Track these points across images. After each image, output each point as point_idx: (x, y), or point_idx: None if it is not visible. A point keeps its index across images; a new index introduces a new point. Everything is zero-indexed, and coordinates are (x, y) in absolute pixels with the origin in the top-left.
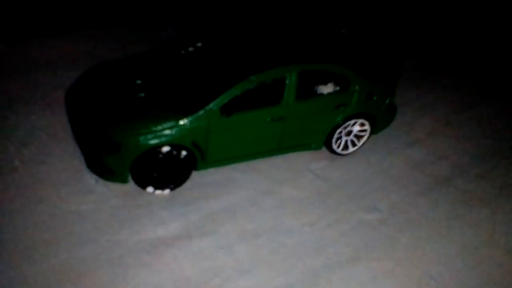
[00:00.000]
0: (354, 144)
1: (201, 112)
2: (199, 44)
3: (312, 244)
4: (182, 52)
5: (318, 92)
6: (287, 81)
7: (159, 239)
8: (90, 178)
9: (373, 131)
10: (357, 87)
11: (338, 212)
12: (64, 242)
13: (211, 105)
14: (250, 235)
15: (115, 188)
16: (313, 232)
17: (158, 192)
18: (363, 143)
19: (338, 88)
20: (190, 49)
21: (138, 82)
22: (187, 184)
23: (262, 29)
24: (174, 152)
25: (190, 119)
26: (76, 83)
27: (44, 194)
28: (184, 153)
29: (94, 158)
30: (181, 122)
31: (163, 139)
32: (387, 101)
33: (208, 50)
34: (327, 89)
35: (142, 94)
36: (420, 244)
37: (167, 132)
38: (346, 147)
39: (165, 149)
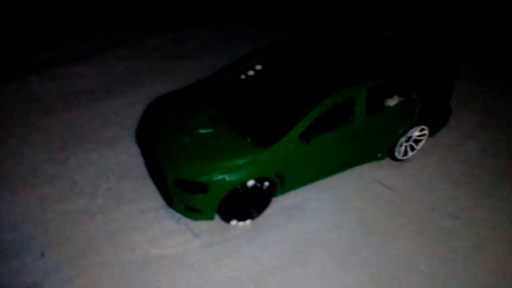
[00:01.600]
0: (412, 149)
1: (281, 143)
2: (258, 67)
3: (400, 263)
4: (242, 77)
5: (386, 105)
6: (357, 99)
7: (256, 272)
8: (170, 218)
9: (430, 134)
10: (418, 96)
11: (415, 223)
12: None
13: (290, 134)
14: (342, 259)
15: (197, 225)
16: (401, 252)
17: (240, 223)
18: (421, 147)
19: (402, 98)
20: (250, 73)
21: (208, 114)
22: (266, 212)
23: (314, 44)
24: (258, 185)
25: (271, 150)
26: (142, 123)
27: (132, 240)
28: (266, 183)
29: (176, 199)
30: (263, 155)
31: (248, 174)
32: (444, 104)
33: (269, 72)
34: (393, 101)
35: (214, 128)
36: (504, 250)
37: (251, 166)
38: (405, 152)
39: (250, 183)
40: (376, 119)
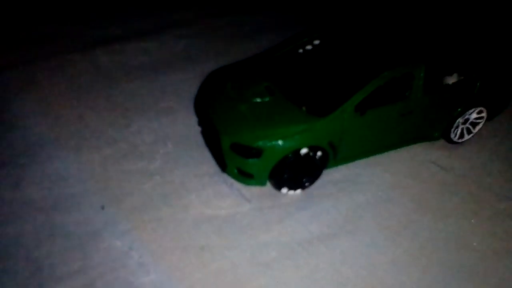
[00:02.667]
0: (469, 132)
1: (337, 113)
2: (316, 42)
3: (454, 239)
4: (300, 51)
5: (444, 83)
6: (416, 75)
7: (306, 239)
8: (224, 183)
9: (489, 118)
10: (478, 76)
11: (470, 202)
12: (218, 247)
13: (346, 105)
14: (391, 232)
15: (248, 190)
16: (459, 227)
17: (291, 192)
18: (478, 130)
19: (462, 77)
20: (308, 47)
21: (265, 84)
22: (318, 182)
23: (377, 23)
24: (311, 154)
25: (327, 120)
26: (200, 93)
27: (186, 201)
28: (319, 153)
29: (230, 163)
30: (318, 124)
31: (302, 142)
32: (504, 87)
33: (327, 47)
34: (451, 79)
35: (270, 98)
36: None
37: (305, 134)
38: (462, 135)
39: (304, 151)
40: (434, 96)
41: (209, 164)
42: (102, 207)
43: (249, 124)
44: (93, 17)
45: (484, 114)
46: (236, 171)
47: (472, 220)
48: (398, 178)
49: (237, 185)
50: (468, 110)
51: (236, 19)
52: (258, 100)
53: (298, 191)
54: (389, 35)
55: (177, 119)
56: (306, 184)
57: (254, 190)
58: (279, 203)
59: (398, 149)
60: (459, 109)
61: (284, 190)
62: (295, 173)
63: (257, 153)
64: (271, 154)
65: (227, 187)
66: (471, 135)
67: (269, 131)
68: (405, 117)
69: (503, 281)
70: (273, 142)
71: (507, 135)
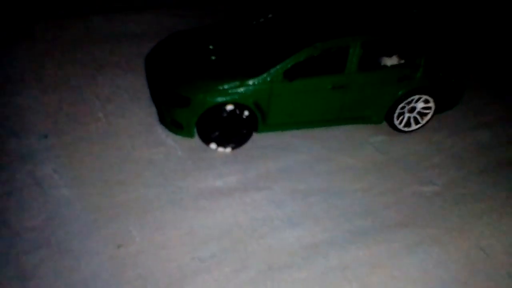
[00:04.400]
0: (417, 122)
1: (265, 75)
2: (270, 15)
3: (362, 207)
4: (254, 22)
5: (382, 64)
6: (350, 51)
7: (217, 188)
8: (162, 133)
9: (438, 110)
10: (422, 61)
11: (393, 182)
12: (134, 183)
13: (275, 68)
14: (302, 194)
15: (183, 142)
16: (364, 197)
17: (220, 149)
18: (427, 121)
19: (402, 61)
20: (262, 19)
21: (211, 47)
22: (249, 145)
23: (334, 3)
24: (237, 111)
25: (254, 80)
26: (154, 49)
27: (121, 142)
28: (246, 113)
29: (166, 113)
30: (246, 83)
31: (227, 97)
32: (453, 79)
33: (278, 20)
34: (391, 61)
35: (214, 58)
36: (473, 218)
37: (232, 91)
38: (408, 124)
39: (229, 107)
40: (370, 74)
41: (156, 116)
42: (45, 136)
43: (187, 77)
44: None
45: (431, 105)
46: (169, 120)
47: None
48: (330, 152)
49: (174, 137)
50: (410, 97)
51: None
52: (200, 59)
53: (228, 149)
54: (334, 12)
55: (140, 77)
56: (235, 143)
57: (188, 143)
58: (206, 156)
59: (339, 126)
60: (399, 93)
61: (213, 145)
62: (223, 130)
63: (185, 102)
64: (197, 105)
65: (164, 136)
66: (418, 125)
67: (200, 84)
68: (337, 91)
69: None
70: (201, 94)
71: (456, 131)
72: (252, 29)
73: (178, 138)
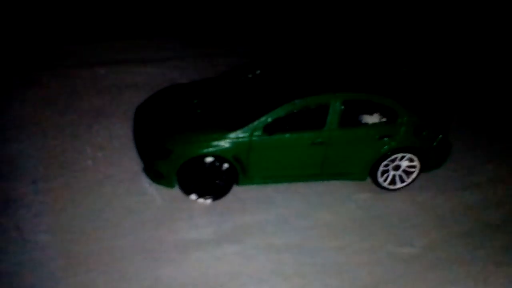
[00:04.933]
0: (402, 180)
1: (245, 129)
2: (258, 72)
3: (334, 266)
4: (242, 77)
5: (363, 121)
6: (331, 108)
7: (190, 240)
8: (145, 182)
9: (423, 169)
10: (405, 120)
11: (370, 241)
12: (110, 231)
13: (255, 123)
14: (275, 250)
15: (165, 192)
16: (338, 255)
17: (200, 200)
18: (413, 180)
19: (384, 119)
20: (250, 75)
21: (196, 101)
22: (229, 197)
23: (321, 60)
24: (217, 164)
25: (234, 134)
26: (145, 101)
27: (105, 190)
28: (226, 165)
29: (149, 163)
30: (226, 136)
31: (207, 150)
32: (438, 138)
33: (264, 77)
34: (372, 119)
35: (199, 111)
36: (447, 284)
37: (212, 144)
38: (394, 182)
39: (209, 159)
40: (350, 131)
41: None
42: (34, 182)
43: (170, 128)
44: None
45: (416, 163)
46: (151, 170)
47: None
48: (310, 207)
49: (157, 186)
50: (392, 155)
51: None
52: (186, 113)
53: (208, 201)
54: (320, 68)
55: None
56: (214, 195)
57: (170, 193)
58: (186, 207)
59: (323, 182)
60: (381, 151)
61: (193, 196)
62: (202, 181)
63: (166, 153)
64: (177, 156)
65: (147, 186)
66: (403, 184)
67: (181, 136)
68: (318, 147)
69: None
70: (181, 145)
71: (444, 191)
72: (239, 84)
73: (161, 188)
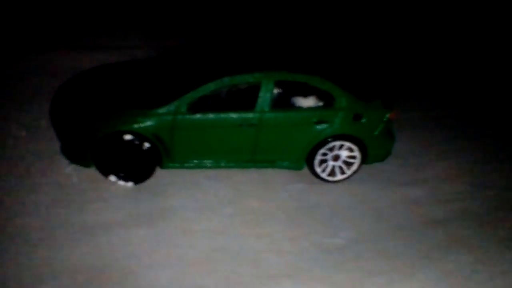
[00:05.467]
0: (343, 172)
1: (167, 106)
2: (193, 52)
3: (250, 253)
4: (176, 58)
5: (297, 105)
6: (262, 88)
7: (99, 223)
8: (64, 162)
9: (365, 160)
10: (343, 104)
11: (295, 231)
12: (17, 207)
13: (177, 101)
14: (189, 235)
15: (85, 173)
16: (257, 243)
17: (121, 182)
18: (354, 172)
19: (321, 103)
20: (185, 56)
21: (125, 82)
22: (153, 181)
23: (258, 42)
24: (137, 143)
25: (156, 111)
26: (77, 83)
27: (18, 169)
28: (147, 145)
29: (66, 141)
30: (147, 113)
31: (125, 126)
32: (380, 127)
33: (198, 56)
34: (307, 102)
35: (124, 91)
36: (364, 277)
37: (132, 120)
38: (333, 173)
39: (128, 137)
40: (283, 114)
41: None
42: None
43: (92, 108)
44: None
45: (356, 154)
46: (67, 149)
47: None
48: (239, 195)
49: (77, 166)
50: (329, 143)
51: None
52: (114, 92)
53: (130, 184)
54: (254, 49)
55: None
56: (137, 177)
57: (91, 174)
58: (102, 189)
59: (259, 169)
60: (317, 139)
61: (112, 178)
62: (121, 161)
63: (82, 130)
64: (92, 132)
65: (65, 165)
66: (344, 176)
67: (101, 114)
68: (248, 130)
69: None
70: (98, 122)
71: (387, 186)
72: (172, 64)
73: (81, 168)
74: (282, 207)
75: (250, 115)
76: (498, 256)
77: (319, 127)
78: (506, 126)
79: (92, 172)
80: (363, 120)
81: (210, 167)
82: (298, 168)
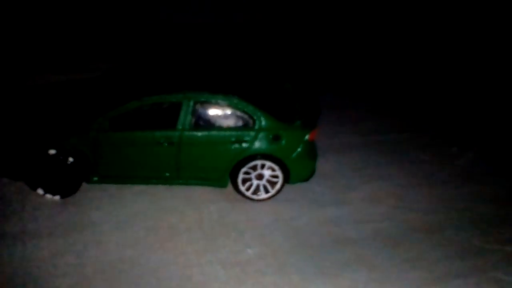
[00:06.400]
0: (267, 191)
1: (91, 123)
2: (121, 73)
3: (155, 266)
4: (103, 79)
5: (217, 124)
6: (183, 108)
7: (13, 231)
8: None
9: (287, 180)
10: (262, 125)
11: (205, 245)
12: None
13: (102, 117)
14: (101, 246)
15: (15, 185)
16: (164, 256)
17: (48, 196)
18: (278, 191)
19: (240, 123)
20: (112, 77)
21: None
22: (81, 194)
23: (185, 64)
24: (61, 157)
25: (80, 127)
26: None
27: None
28: (71, 159)
29: None
30: (71, 130)
31: (49, 141)
32: (299, 148)
33: (124, 77)
34: (227, 122)
35: (59, 111)
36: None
37: (55, 136)
38: (258, 192)
39: (52, 151)
40: (202, 133)
41: None
42: None
43: (31, 125)
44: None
45: (277, 173)
46: None
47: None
48: (157, 210)
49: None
50: (249, 162)
51: None
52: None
53: (57, 197)
54: (180, 71)
55: None
56: (63, 190)
57: (20, 186)
58: (27, 200)
59: (186, 186)
60: (236, 157)
61: (40, 191)
62: (47, 175)
63: (13, 143)
64: (18, 146)
65: None
66: (268, 194)
67: (32, 131)
68: (169, 148)
69: None
70: (25, 137)
71: (312, 205)
72: (99, 84)
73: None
74: (199, 223)
75: (171, 133)
76: (395, 275)
77: (239, 146)
78: (442, 152)
79: (21, 184)
80: (283, 141)
81: (136, 183)
82: (221, 185)
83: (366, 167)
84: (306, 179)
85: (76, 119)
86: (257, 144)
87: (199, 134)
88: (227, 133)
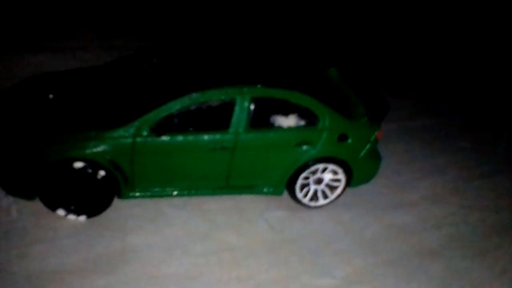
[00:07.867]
0: (325, 196)
1: (126, 127)
2: (154, 60)
3: None
4: (133, 66)
5: (277, 125)
6: (237, 105)
7: (46, 271)
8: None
9: (349, 183)
10: (327, 124)
11: (280, 270)
12: None
13: (140, 120)
14: (159, 281)
15: (27, 206)
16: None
17: (71, 217)
18: (337, 196)
19: (303, 122)
20: (144, 64)
21: (67, 93)
22: (109, 213)
23: (232, 51)
24: (90, 171)
25: (113, 134)
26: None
27: None
28: (102, 173)
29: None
30: (101, 136)
31: (74, 152)
32: (367, 147)
33: (161, 66)
34: (287, 121)
35: (71, 106)
36: None
37: (81, 145)
38: (315, 198)
39: (78, 165)
40: (261, 135)
41: None
42: None
43: (30, 127)
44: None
45: (340, 177)
46: (4, 178)
47: None
48: (212, 227)
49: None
50: (312, 166)
51: None
52: (56, 106)
53: (82, 218)
54: (227, 60)
55: None
56: (90, 210)
57: (34, 207)
58: (50, 225)
59: (231, 196)
60: (298, 161)
61: (61, 212)
62: (71, 192)
63: (24, 156)
64: (33, 160)
65: (3, 196)
66: (327, 200)
67: (40, 135)
68: (221, 153)
69: None
70: (40, 147)
71: (373, 210)
72: (128, 73)
73: (22, 201)
74: (262, 241)
75: (223, 136)
76: None
77: (300, 149)
78: (478, 138)
79: (36, 205)
80: (349, 141)
81: (177, 195)
82: (278, 193)
83: (414, 160)
84: (368, 181)
85: (104, 120)
86: (321, 146)
87: (256, 136)
88: (288, 134)
